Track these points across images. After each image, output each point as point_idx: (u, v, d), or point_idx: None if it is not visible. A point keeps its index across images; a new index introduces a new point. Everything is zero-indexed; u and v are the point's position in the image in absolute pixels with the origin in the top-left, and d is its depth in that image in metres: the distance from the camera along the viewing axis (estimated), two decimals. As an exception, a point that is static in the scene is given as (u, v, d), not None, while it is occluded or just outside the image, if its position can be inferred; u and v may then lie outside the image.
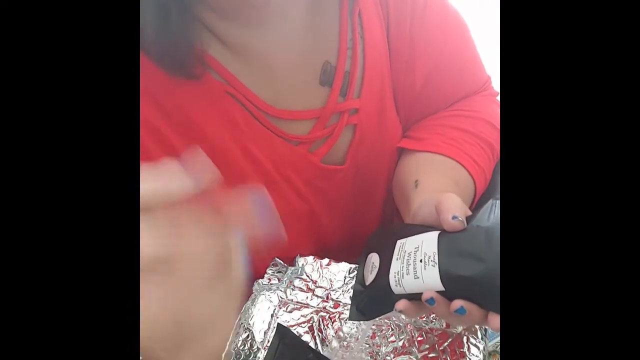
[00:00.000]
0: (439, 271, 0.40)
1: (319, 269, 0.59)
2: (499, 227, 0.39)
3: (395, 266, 0.43)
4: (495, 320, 0.38)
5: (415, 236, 0.44)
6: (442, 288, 0.40)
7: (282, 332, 0.43)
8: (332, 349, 0.54)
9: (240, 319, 0.53)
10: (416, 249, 0.42)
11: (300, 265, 0.59)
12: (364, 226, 0.63)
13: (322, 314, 0.56)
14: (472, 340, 0.55)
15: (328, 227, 0.63)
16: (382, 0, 0.56)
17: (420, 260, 0.41)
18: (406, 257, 0.43)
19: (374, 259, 0.47)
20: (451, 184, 0.56)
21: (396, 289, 0.43)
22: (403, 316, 0.57)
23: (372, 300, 0.45)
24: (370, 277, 0.46)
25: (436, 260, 0.40)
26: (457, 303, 0.38)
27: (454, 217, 0.40)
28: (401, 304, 0.41)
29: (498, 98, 0.66)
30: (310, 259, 0.59)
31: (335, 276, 0.59)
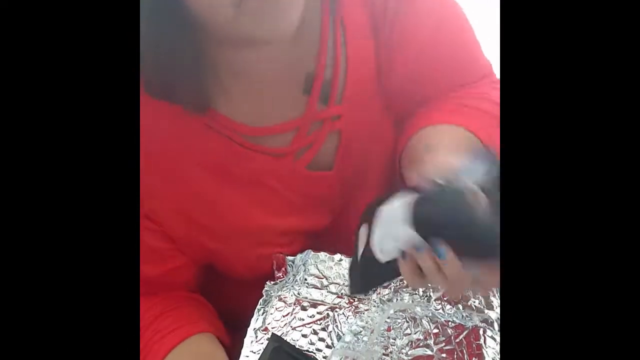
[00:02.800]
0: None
1: (332, 266, 0.59)
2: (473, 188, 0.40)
3: (376, 234, 0.44)
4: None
5: (392, 199, 0.44)
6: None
7: (276, 339, 0.45)
8: (347, 342, 0.54)
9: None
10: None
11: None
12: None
13: (337, 310, 0.57)
14: (488, 332, 0.55)
15: (320, 230, 0.63)
16: (368, 2, 0.55)
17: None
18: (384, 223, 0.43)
19: (362, 230, 0.47)
20: (461, 143, 0.54)
21: (381, 256, 0.43)
22: (418, 308, 0.57)
23: (365, 273, 0.46)
24: (359, 251, 0.47)
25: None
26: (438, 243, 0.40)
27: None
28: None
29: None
30: (322, 255, 0.60)
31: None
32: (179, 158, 0.54)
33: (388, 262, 0.44)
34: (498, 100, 0.60)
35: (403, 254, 0.43)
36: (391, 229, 0.42)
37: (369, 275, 0.47)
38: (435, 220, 0.40)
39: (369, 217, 0.48)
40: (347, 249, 0.60)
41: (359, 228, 0.49)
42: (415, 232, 0.41)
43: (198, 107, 0.51)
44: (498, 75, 0.56)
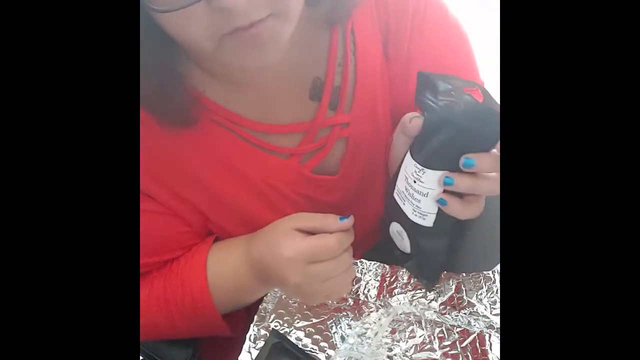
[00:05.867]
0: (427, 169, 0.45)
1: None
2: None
3: (409, 213, 0.48)
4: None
5: (399, 173, 0.48)
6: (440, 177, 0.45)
7: (276, 335, 0.45)
8: (351, 344, 0.54)
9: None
10: (406, 178, 0.47)
11: None
12: (364, 230, 0.63)
13: (339, 313, 0.57)
14: (494, 338, 0.55)
15: None
16: (381, 12, 0.56)
17: (414, 181, 0.46)
18: (408, 196, 0.47)
19: (394, 226, 0.50)
20: None
21: (431, 230, 0.47)
22: (423, 312, 0.57)
23: (425, 261, 0.50)
24: (406, 244, 0.49)
25: (421, 168, 0.45)
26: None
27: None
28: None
29: None
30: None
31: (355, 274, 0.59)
32: (181, 152, 0.54)
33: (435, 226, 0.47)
34: None
35: (440, 200, 0.46)
36: (410, 189, 0.46)
37: (429, 262, 0.51)
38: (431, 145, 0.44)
39: (391, 214, 0.52)
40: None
41: (386, 228, 0.53)
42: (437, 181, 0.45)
43: (181, 123, 0.51)
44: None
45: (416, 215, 0.47)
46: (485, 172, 0.44)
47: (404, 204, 0.48)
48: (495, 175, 0.44)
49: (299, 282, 0.51)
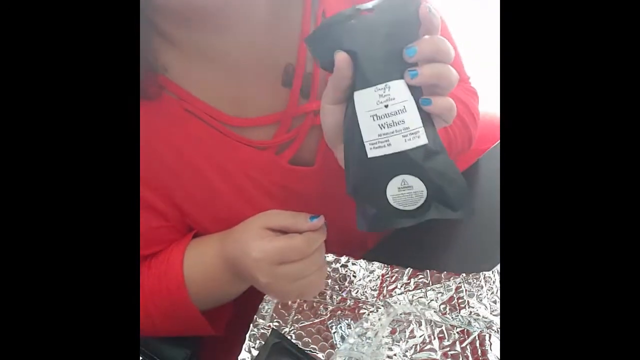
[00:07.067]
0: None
1: (339, 268, 0.60)
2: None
3: (401, 145, 0.44)
4: None
5: (358, 134, 0.44)
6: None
7: (276, 335, 0.45)
8: (352, 344, 0.54)
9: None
10: (373, 118, 0.43)
11: None
12: (348, 222, 0.62)
13: (339, 312, 0.57)
14: (493, 338, 0.55)
15: None
16: None
17: (386, 106, 0.43)
18: (389, 130, 0.43)
19: (394, 184, 0.45)
20: None
21: (430, 147, 0.44)
22: (423, 312, 0.57)
23: (450, 186, 0.45)
24: (418, 187, 0.45)
25: (383, 86, 0.43)
26: None
27: None
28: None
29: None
30: (330, 257, 0.60)
31: (355, 274, 0.59)
32: (157, 144, 0.53)
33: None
34: (473, 103, 0.64)
35: (424, 100, 0.43)
36: (386, 119, 0.43)
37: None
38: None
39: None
40: (329, 245, 0.59)
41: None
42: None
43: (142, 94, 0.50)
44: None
45: (410, 140, 0.43)
46: (431, 55, 0.42)
47: (390, 144, 0.44)
48: (441, 62, 0.43)
49: (268, 282, 0.50)
